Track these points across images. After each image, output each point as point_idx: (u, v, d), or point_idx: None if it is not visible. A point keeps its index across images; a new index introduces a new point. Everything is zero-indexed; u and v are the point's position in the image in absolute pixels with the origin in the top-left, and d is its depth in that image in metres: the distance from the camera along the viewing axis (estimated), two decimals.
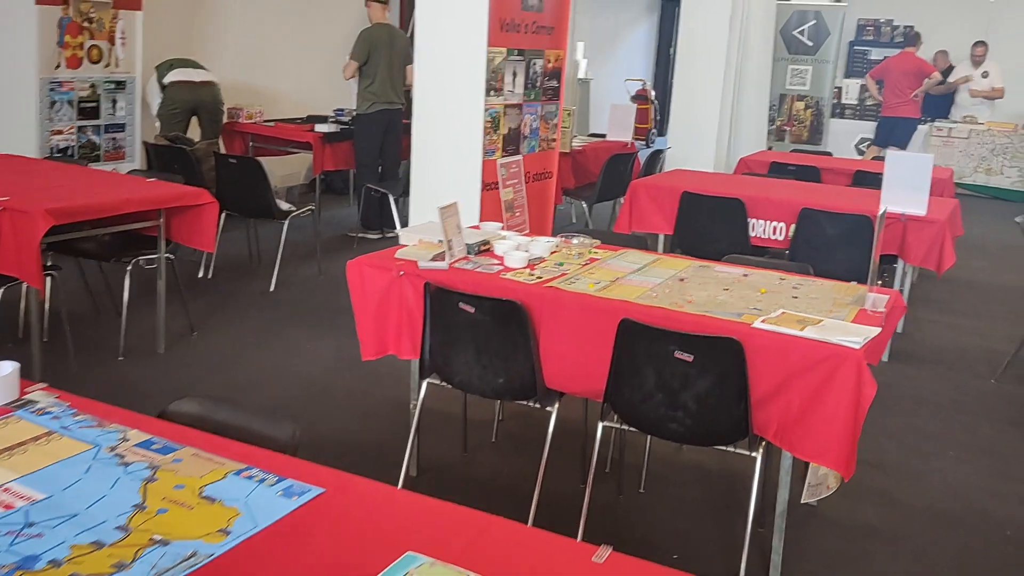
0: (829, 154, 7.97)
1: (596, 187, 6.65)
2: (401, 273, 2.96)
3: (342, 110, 7.40)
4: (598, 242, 3.47)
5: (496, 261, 3.07)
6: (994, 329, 5.44)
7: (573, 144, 6.99)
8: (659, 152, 7.20)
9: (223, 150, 6.79)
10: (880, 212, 2.86)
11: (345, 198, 8.24)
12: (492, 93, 4.22)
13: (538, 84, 4.58)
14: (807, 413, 2.48)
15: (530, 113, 4.55)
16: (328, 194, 8.37)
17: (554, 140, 4.83)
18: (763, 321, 2.55)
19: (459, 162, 4.25)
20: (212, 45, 7.26)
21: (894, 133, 9.94)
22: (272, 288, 5.25)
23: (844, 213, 4.56)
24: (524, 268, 3.01)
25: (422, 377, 2.99)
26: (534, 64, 4.49)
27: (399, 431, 3.37)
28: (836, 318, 2.65)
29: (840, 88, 11.31)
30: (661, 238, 5.31)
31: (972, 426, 3.96)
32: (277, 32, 7.87)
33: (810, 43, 10.89)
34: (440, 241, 3.02)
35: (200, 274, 5.51)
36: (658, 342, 2.54)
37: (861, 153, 11.10)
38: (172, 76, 6.22)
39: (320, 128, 6.60)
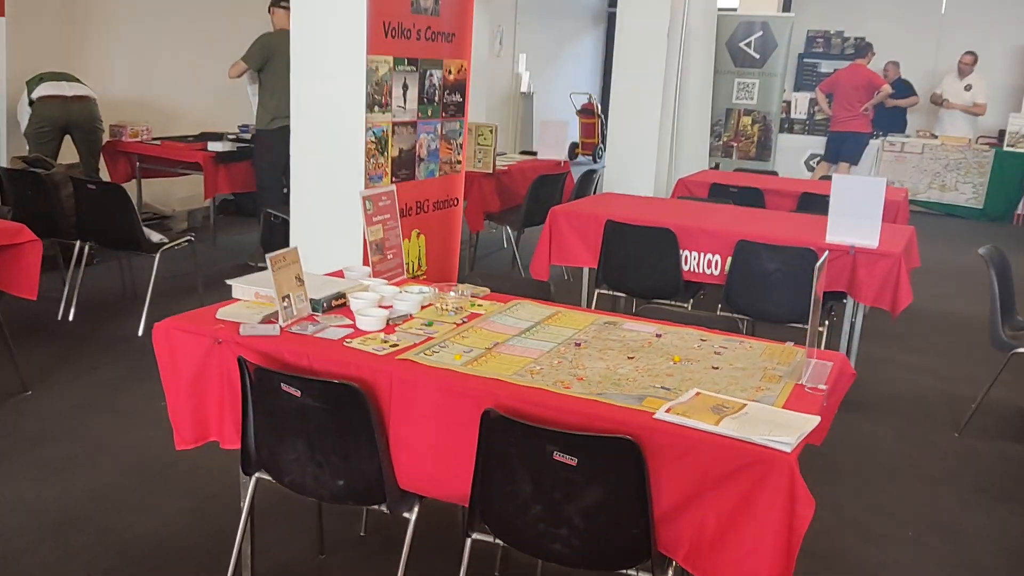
0: (775, 173, 7.48)
1: (521, 211, 6.05)
2: (219, 341, 2.31)
3: (247, 126, 6.72)
4: (486, 290, 2.86)
5: (349, 322, 2.44)
6: (955, 369, 4.93)
7: (498, 164, 6.39)
8: (592, 172, 6.63)
9: (105, 173, 6.08)
10: (818, 263, 2.29)
11: (256, 220, 7.56)
12: (376, 109, 3.60)
13: (436, 99, 3.96)
14: (726, 533, 1.88)
15: (427, 132, 3.93)
16: (239, 215, 7.68)
17: (459, 162, 4.22)
18: (669, 411, 1.95)
19: (339, 189, 3.62)
20: (96, 56, 6.55)
21: (844, 148, 9.52)
22: (140, 332, 4.56)
23: (785, 246, 4.01)
24: (379, 331, 2.39)
25: (247, 472, 2.34)
26: (430, 76, 3.88)
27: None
28: (766, 397, 2.06)
29: (789, 102, 10.88)
30: (585, 273, 4.73)
31: (933, 497, 3.41)
32: (172, 41, 7.16)
33: (757, 56, 10.42)
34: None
35: (60, 314, 4.80)
36: (532, 440, 1.92)
37: (811, 169, 10.68)
38: (40, 91, 5.51)
39: (213, 147, 5.92)
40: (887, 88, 9.34)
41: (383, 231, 2.88)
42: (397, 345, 2.29)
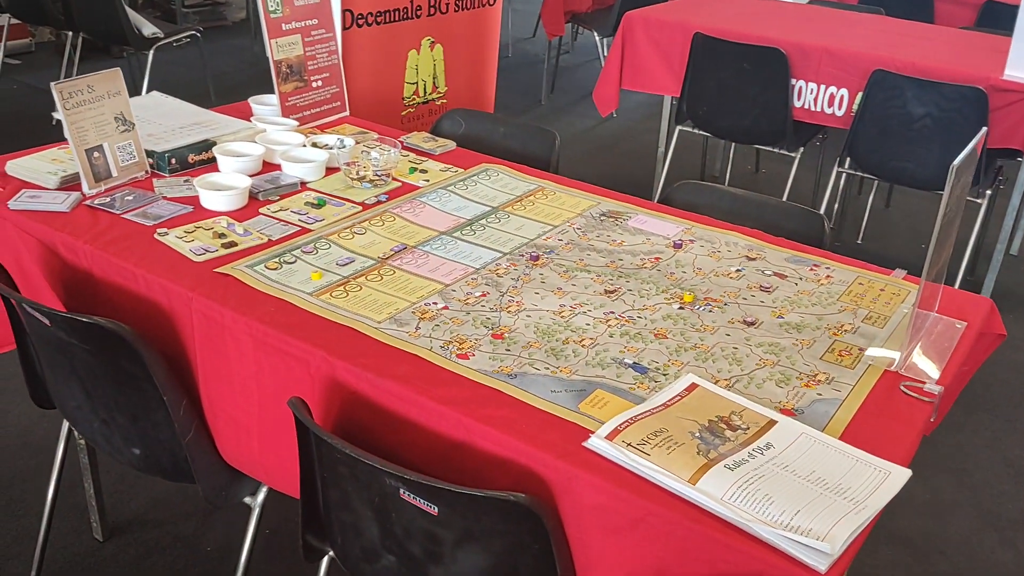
0: None
1: (614, 10, 4.85)
2: None
3: None
4: (449, 145, 1.93)
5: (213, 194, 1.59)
6: None
7: None
8: None
9: None
10: (979, 134, 1.25)
11: None
12: None
13: None
14: None
15: None
16: None
17: None
18: (617, 431, 1.04)
19: None
20: None
21: None
22: None
23: (942, 82, 2.80)
24: (230, 212, 1.54)
25: (39, 405, 1.61)
26: None
27: (27, 479, 2.03)
28: (819, 403, 1.12)
29: None
30: (665, 104, 3.63)
31: None
32: None
33: None
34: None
35: (53, 121, 4.18)
36: (365, 466, 1.08)
37: None
38: None
39: None
40: None
41: (302, 45, 1.95)
42: (235, 245, 1.44)
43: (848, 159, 3.15)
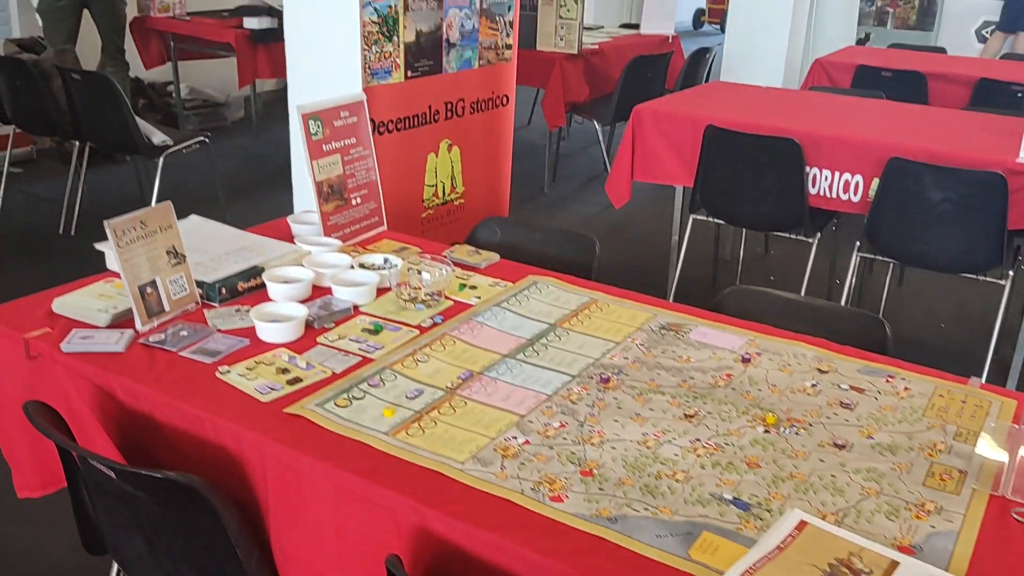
0: (942, 50, 6.00)
1: (612, 101, 4.94)
2: (32, 356, 1.49)
3: None
4: (494, 257, 1.91)
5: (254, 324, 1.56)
6: None
7: (588, 41, 5.25)
8: (705, 51, 5.38)
9: (134, 54, 5.31)
10: None
11: None
12: None
13: None
14: None
15: (459, 7, 2.90)
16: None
17: (509, 47, 3.17)
18: None
19: (335, 87, 2.68)
20: None
21: None
22: None
23: (960, 168, 2.83)
24: (289, 344, 1.50)
25: (92, 552, 1.54)
26: None
27: None
28: (936, 536, 1.08)
29: None
30: (678, 193, 3.66)
31: None
32: None
33: None
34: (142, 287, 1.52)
35: (61, 227, 4.15)
36: None
37: (983, 40, 8.86)
38: None
39: (249, 23, 5.02)
40: None
41: (342, 164, 1.94)
42: (299, 381, 1.39)
43: (867, 241, 3.16)
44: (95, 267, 1.77)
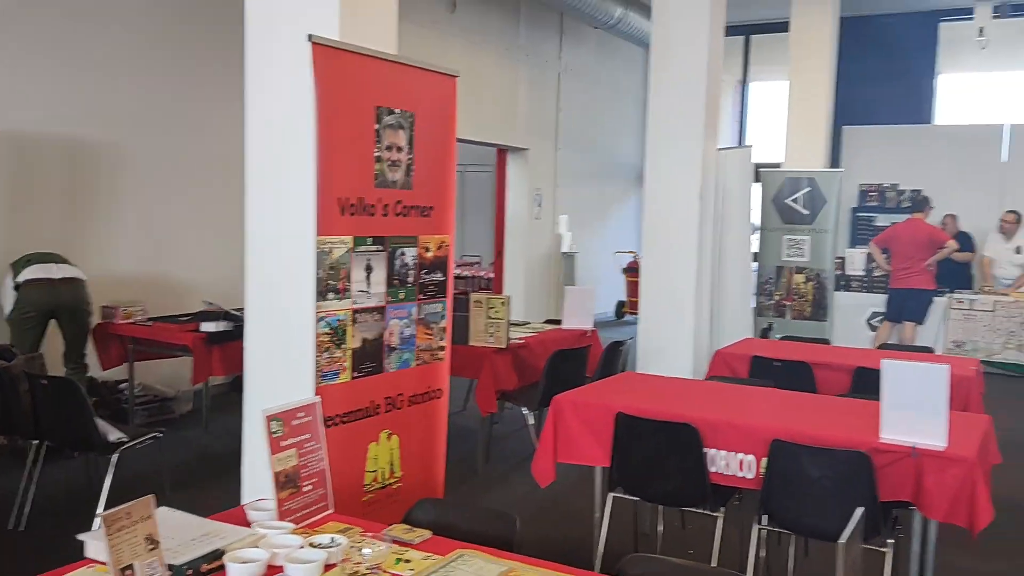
0: (826, 341, 6.77)
1: (539, 389, 5.43)
2: None
3: None
4: (425, 535, 2.22)
5: None
6: None
7: (516, 336, 5.85)
8: (619, 344, 6.02)
9: (94, 357, 5.70)
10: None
11: None
12: (331, 296, 3.11)
13: (411, 279, 3.47)
14: None
15: (399, 317, 3.42)
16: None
17: (442, 348, 3.67)
18: None
19: (290, 390, 3.09)
20: (101, 234, 6.35)
21: (907, 307, 8.80)
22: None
23: (831, 449, 3.29)
24: None
25: None
26: (402, 255, 3.40)
27: None
28: None
29: (843, 258, 10.24)
30: (598, 472, 4.03)
31: None
32: (181, 216, 6.97)
33: (806, 212, 9.94)
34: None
35: (11, 522, 4.27)
36: None
37: (874, 329, 9.87)
38: (26, 274, 5.23)
39: (206, 327, 5.51)
40: (953, 244, 8.70)
41: (297, 457, 2.29)
42: None
43: (763, 515, 3.52)
44: (49, 560, 2.03)
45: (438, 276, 3.61)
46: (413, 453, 3.55)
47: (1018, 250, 9.55)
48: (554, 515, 4.82)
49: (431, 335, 3.61)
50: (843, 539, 1.47)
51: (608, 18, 11.01)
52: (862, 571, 1.59)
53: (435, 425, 3.68)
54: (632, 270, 13.55)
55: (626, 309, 13.34)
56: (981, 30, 10.65)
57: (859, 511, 1.63)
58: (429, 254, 3.54)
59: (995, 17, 10.58)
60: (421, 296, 3.53)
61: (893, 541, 3.38)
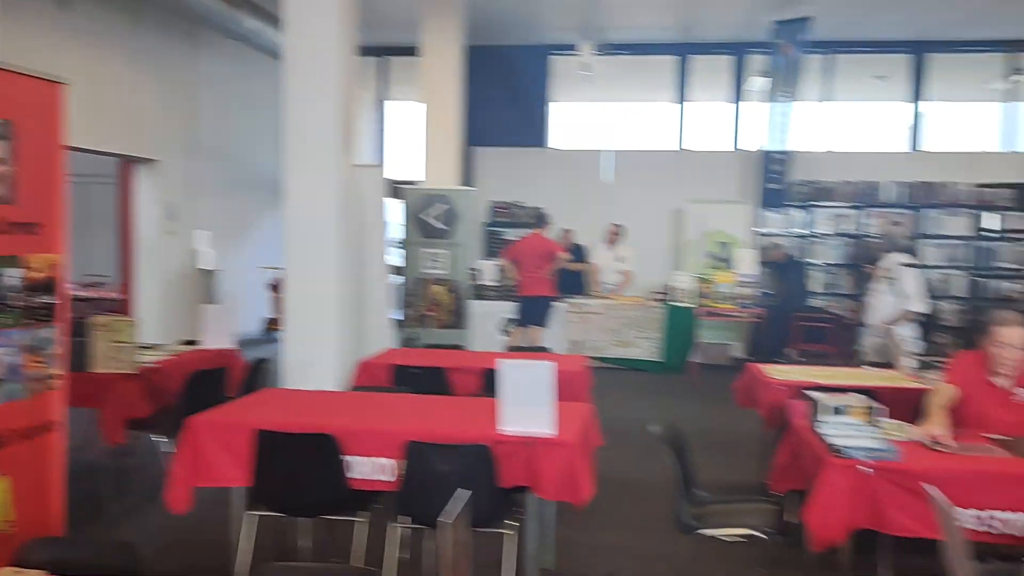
0: (459, 347, 7.26)
1: (175, 415, 5.17)
2: None
3: None
4: (40, 574, 2.06)
5: None
6: (649, 547, 4.70)
7: (148, 359, 5.52)
8: (263, 360, 5.94)
9: None
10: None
11: None
12: None
13: (15, 303, 3.16)
14: None
15: (1, 345, 3.09)
16: None
17: (55, 376, 3.38)
18: None
19: None
20: None
21: (532, 312, 9.70)
22: None
23: (457, 445, 3.58)
24: None
25: None
26: (2, 277, 3.09)
27: None
28: None
29: (478, 270, 11.02)
30: (235, 492, 3.96)
31: None
32: None
33: (444, 227, 10.55)
34: None
35: None
36: None
37: (507, 334, 10.73)
38: None
39: None
40: (564, 255, 9.77)
41: None
42: None
43: (400, 513, 3.71)
44: None
45: (48, 299, 3.32)
46: (27, 494, 3.23)
47: (619, 259, 10.96)
48: (194, 541, 4.62)
49: (42, 363, 3.31)
50: (443, 518, 1.65)
51: (241, 28, 10.77)
52: (471, 550, 1.78)
53: (50, 460, 3.38)
54: (278, 286, 13.34)
55: (272, 326, 13.09)
56: (585, 64, 12.05)
57: (462, 493, 1.83)
58: (38, 275, 3.25)
59: (596, 54, 12.03)
60: (29, 321, 3.22)
61: (517, 524, 3.75)
